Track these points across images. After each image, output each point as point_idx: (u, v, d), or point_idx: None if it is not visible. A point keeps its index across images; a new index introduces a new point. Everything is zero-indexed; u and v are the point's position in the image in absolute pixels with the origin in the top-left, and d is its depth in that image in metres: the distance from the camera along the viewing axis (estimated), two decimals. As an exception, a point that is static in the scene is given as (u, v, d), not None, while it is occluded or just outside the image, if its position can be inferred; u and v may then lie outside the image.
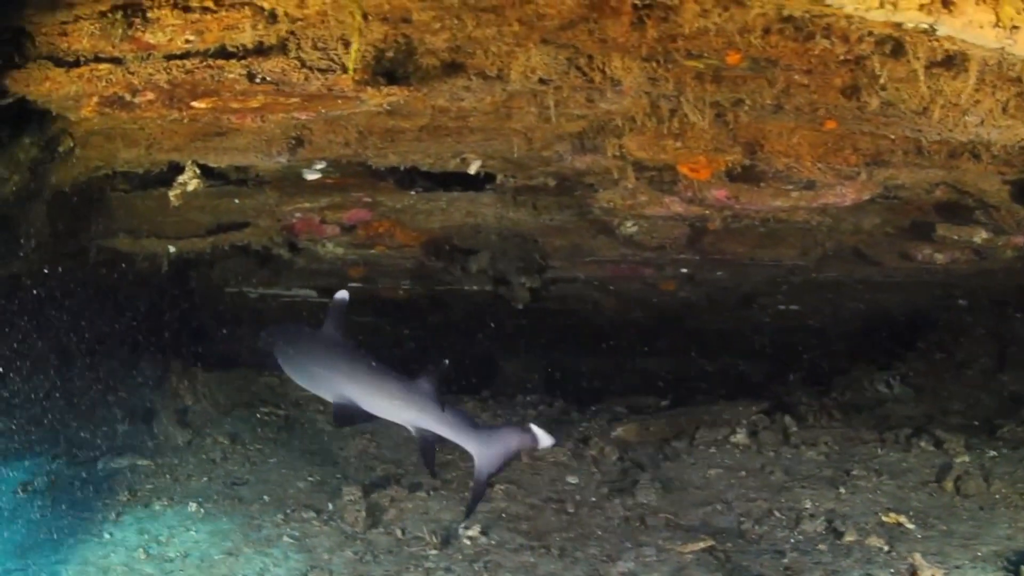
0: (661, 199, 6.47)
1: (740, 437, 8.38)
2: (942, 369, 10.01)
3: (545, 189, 6.93)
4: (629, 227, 7.31)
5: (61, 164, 6.15)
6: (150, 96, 5.02)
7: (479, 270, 8.56)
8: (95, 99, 5.06)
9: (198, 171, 6.25)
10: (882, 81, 4.39)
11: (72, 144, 5.97)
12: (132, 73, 4.77)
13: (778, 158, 5.58)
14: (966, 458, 7.55)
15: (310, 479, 7.38)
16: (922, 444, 7.96)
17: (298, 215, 7.64)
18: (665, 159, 5.71)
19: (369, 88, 4.64)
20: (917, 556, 5.49)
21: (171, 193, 6.31)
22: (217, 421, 8.74)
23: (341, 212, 7.60)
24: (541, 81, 4.72)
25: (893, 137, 5.44)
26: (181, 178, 6.25)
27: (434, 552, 6.04)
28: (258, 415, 8.90)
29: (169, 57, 4.66)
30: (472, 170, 6.44)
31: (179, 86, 4.89)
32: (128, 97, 5.04)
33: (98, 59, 4.72)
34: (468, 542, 6.20)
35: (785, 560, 5.89)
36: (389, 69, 4.59)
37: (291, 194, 7.22)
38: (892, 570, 5.63)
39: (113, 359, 8.83)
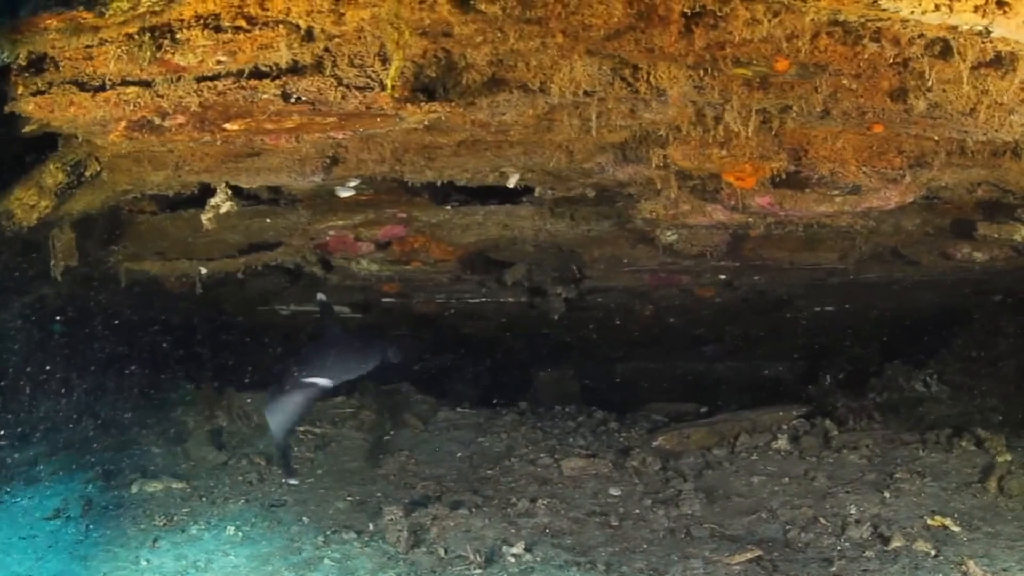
0: (704, 207, 6.42)
1: (781, 443, 8.34)
2: (978, 366, 9.93)
3: (584, 200, 6.87)
4: (669, 236, 7.25)
5: (88, 188, 6.11)
6: (181, 119, 4.99)
7: (514, 282, 8.51)
8: (123, 124, 5.03)
9: (230, 193, 6.20)
10: (929, 83, 4.32)
11: (99, 168, 5.93)
12: (161, 96, 4.74)
13: (823, 163, 5.51)
14: (1008, 457, 7.52)
15: (349, 499, 7.31)
16: (963, 444, 7.93)
17: (331, 233, 7.57)
18: (710, 168, 5.65)
19: (409, 105, 4.58)
20: (971, 563, 5.46)
21: (204, 216, 6.28)
22: (252, 441, 8.72)
23: (375, 228, 7.52)
24: (585, 93, 4.65)
25: (937, 138, 5.38)
26: (213, 201, 6.21)
27: (478, 571, 5.95)
28: (293, 433, 8.81)
29: (200, 79, 4.61)
30: (511, 183, 6.39)
31: (211, 108, 4.85)
32: (157, 121, 5.01)
33: (125, 83, 4.67)
34: (512, 559, 6.09)
35: (833, 568, 5.82)
36: (428, 85, 4.51)
37: (324, 212, 7.17)
38: (941, 575, 5.56)
39: (145, 380, 8.82)
